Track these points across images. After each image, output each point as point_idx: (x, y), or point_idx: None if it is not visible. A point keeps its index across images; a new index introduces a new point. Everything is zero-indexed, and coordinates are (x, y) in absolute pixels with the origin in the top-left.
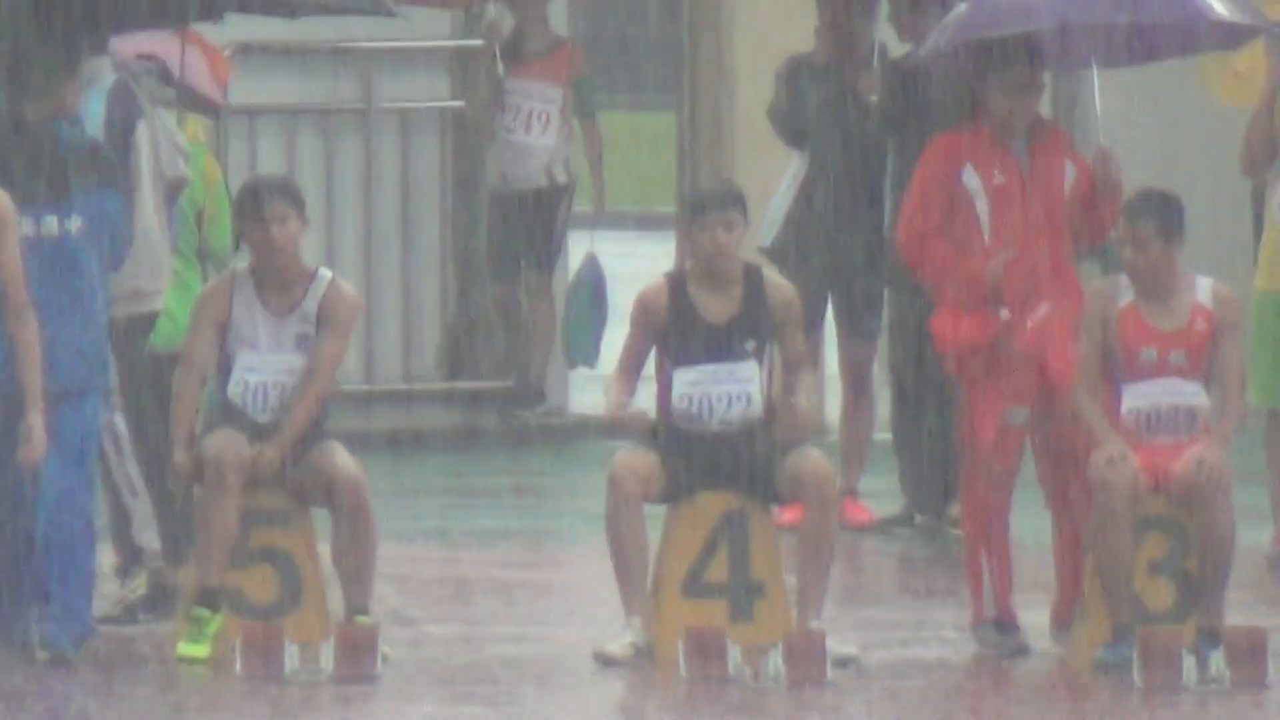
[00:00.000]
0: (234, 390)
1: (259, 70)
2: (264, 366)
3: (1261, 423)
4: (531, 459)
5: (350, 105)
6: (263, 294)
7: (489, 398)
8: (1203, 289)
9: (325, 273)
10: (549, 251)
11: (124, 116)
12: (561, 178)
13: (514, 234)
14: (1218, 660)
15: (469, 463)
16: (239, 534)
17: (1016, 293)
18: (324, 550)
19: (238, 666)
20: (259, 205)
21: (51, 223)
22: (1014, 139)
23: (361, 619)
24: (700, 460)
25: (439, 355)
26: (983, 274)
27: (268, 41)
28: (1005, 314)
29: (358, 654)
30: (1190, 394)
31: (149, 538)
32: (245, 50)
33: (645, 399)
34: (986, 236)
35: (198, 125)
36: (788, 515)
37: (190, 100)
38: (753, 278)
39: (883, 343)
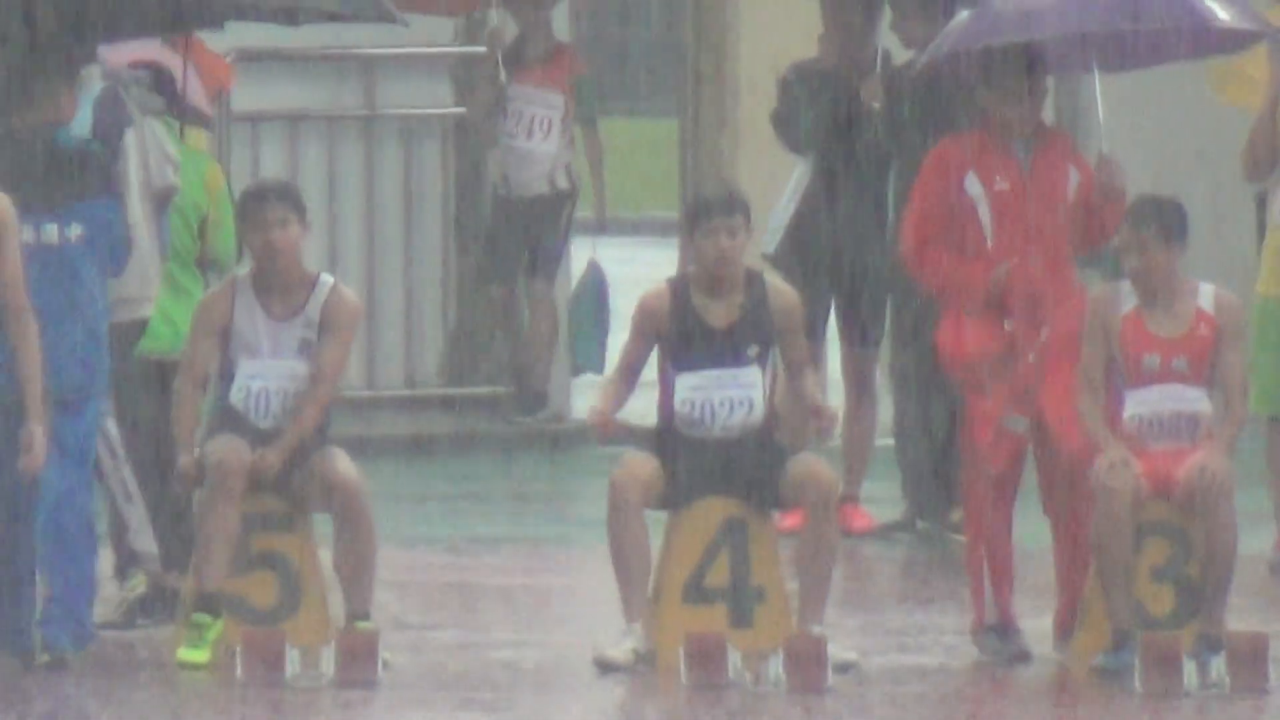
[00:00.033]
0: (236, 396)
1: (262, 76)
2: (266, 372)
3: (1263, 429)
4: (533, 464)
5: (353, 111)
6: (264, 299)
7: (491, 403)
8: (1205, 295)
9: (327, 278)
10: (551, 258)
11: (111, 124)
12: (563, 183)
13: (515, 237)
14: (1219, 666)
15: (470, 468)
16: (240, 539)
17: (1019, 301)
18: (325, 555)
19: (238, 671)
20: (259, 210)
21: (51, 230)
22: (1016, 145)
23: (362, 624)
24: (701, 466)
25: (441, 361)
26: (985, 283)
27: (270, 48)
28: (1009, 324)
29: (358, 659)
30: (1192, 400)
31: (145, 542)
32: (248, 56)
33: (644, 404)
34: (989, 243)
35: (199, 133)
36: (789, 521)
37: (184, 112)
38: (755, 283)
39: (885, 348)
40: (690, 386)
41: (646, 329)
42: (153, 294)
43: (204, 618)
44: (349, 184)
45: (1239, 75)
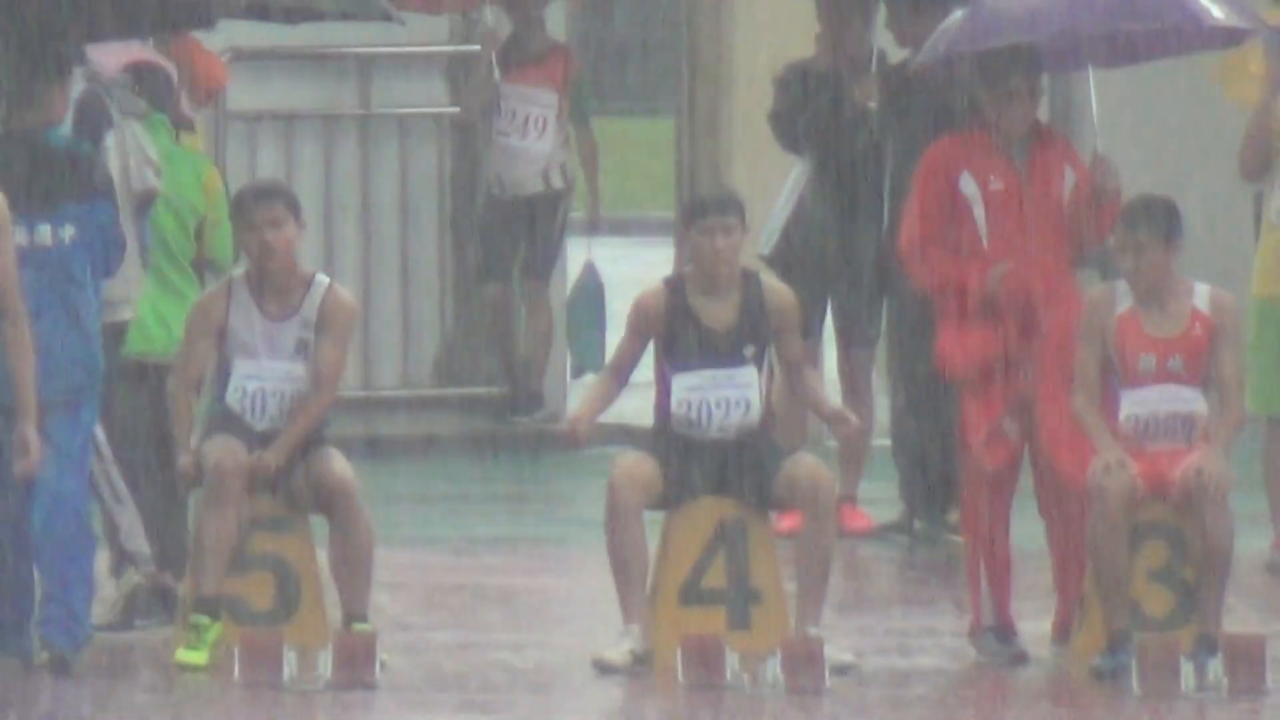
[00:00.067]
0: (232, 397)
1: (257, 76)
2: (262, 373)
3: (1260, 429)
4: (529, 465)
5: (349, 111)
6: (260, 299)
7: (487, 404)
8: (1200, 295)
9: (322, 278)
10: (546, 258)
11: (92, 127)
12: (558, 183)
13: (509, 236)
14: (1216, 667)
15: (467, 469)
16: (238, 541)
17: (1014, 305)
18: (323, 557)
19: (236, 673)
20: (254, 210)
21: (44, 232)
22: (1011, 145)
23: (359, 626)
24: (699, 466)
25: (437, 361)
26: (980, 285)
27: (266, 47)
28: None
29: (356, 661)
30: (1188, 400)
31: (137, 543)
32: (243, 56)
33: (641, 405)
34: (984, 243)
35: (195, 131)
36: (786, 522)
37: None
38: (751, 283)
39: (881, 349)
40: (687, 387)
41: (642, 328)
42: (134, 296)
43: (203, 619)
44: (345, 183)
45: (1244, 72)
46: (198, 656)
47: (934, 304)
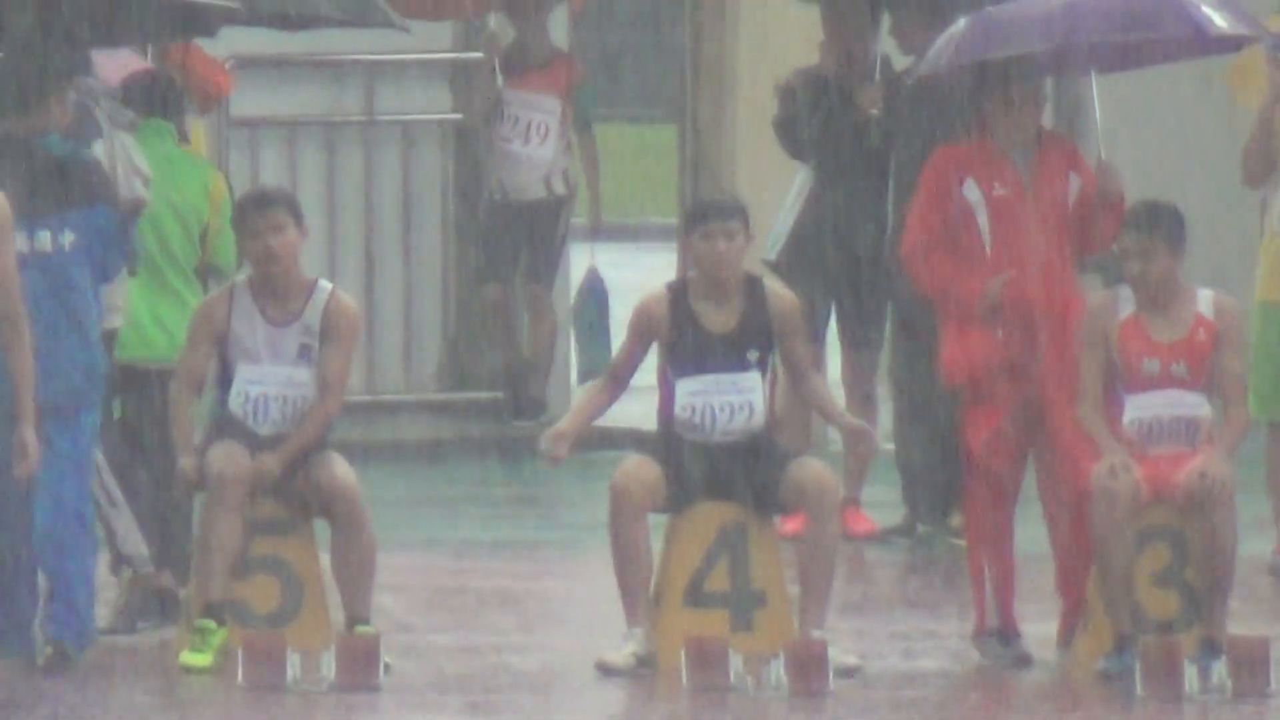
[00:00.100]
0: (234, 402)
1: (261, 82)
2: (265, 378)
3: (1263, 433)
4: (532, 469)
5: (352, 117)
6: (262, 305)
7: (490, 408)
8: (1204, 300)
9: (325, 284)
10: (549, 263)
11: (80, 137)
12: (560, 189)
13: (510, 241)
14: (1219, 670)
15: (470, 473)
16: (241, 545)
17: (1016, 311)
18: (326, 560)
19: (239, 676)
20: (256, 216)
21: (45, 238)
22: (1016, 151)
23: (362, 629)
24: (702, 470)
25: (440, 366)
26: (981, 293)
27: (269, 54)
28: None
29: (359, 663)
30: (1192, 405)
31: (133, 545)
32: (247, 63)
33: (644, 409)
34: (988, 249)
35: (199, 139)
36: (790, 525)
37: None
38: (754, 288)
39: (885, 353)
40: (690, 391)
41: (644, 332)
42: (120, 303)
43: (209, 624)
44: (348, 190)
45: (1256, 75)
46: (202, 659)
47: (937, 309)
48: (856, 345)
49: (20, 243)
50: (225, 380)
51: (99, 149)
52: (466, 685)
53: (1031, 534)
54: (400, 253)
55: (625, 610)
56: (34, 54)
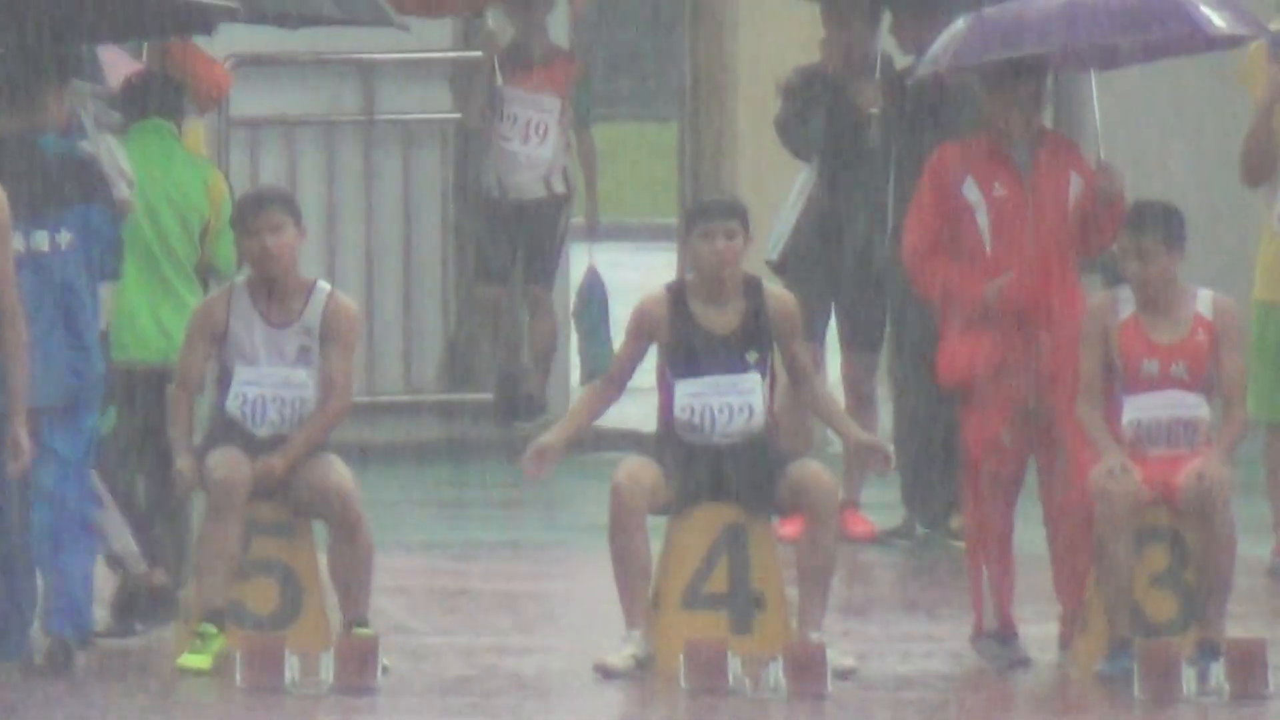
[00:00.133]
0: (232, 404)
1: (260, 82)
2: (263, 380)
3: (1261, 434)
4: None
5: (352, 117)
6: (260, 305)
7: (490, 409)
8: (1203, 300)
9: (324, 285)
10: (548, 263)
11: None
12: (560, 188)
13: (508, 240)
14: (1218, 672)
15: (470, 474)
16: (241, 549)
17: (1014, 313)
18: (323, 562)
19: (238, 678)
20: (255, 216)
21: (41, 237)
22: (1016, 151)
23: (360, 630)
24: (702, 472)
25: (440, 367)
26: (980, 296)
27: (269, 53)
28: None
29: (358, 665)
30: (1191, 406)
31: (124, 544)
32: (246, 62)
33: (644, 410)
34: (987, 249)
35: (198, 138)
36: (788, 527)
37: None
38: (753, 290)
39: (885, 354)
40: (690, 393)
41: (643, 333)
42: (109, 305)
43: (210, 629)
44: (348, 189)
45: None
46: (201, 660)
47: (936, 310)
48: (856, 345)
49: (17, 242)
50: (224, 382)
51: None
52: (465, 687)
53: (1030, 535)
54: (400, 253)
55: (624, 612)
56: (31, 52)
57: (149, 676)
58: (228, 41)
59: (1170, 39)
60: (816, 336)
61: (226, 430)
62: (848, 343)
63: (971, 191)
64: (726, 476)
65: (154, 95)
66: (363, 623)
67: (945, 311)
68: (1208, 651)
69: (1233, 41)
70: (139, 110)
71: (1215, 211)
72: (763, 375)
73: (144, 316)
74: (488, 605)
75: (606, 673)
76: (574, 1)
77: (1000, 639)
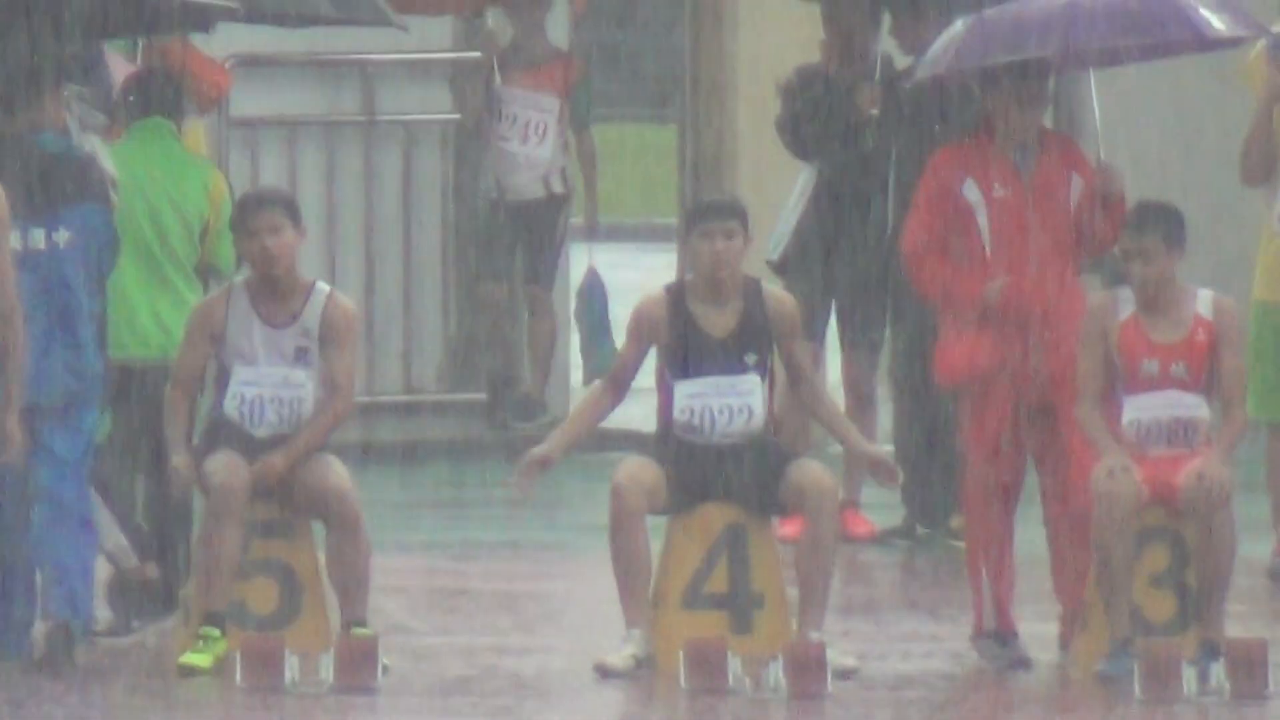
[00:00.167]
0: (230, 404)
1: (260, 82)
2: (260, 380)
3: (1261, 434)
4: None
5: (352, 117)
6: (259, 306)
7: (489, 409)
8: (1203, 300)
9: (323, 286)
10: (548, 264)
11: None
12: (559, 188)
13: (508, 240)
14: (1218, 672)
15: (470, 474)
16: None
17: (1013, 315)
18: (321, 561)
19: (238, 677)
20: (253, 216)
21: (39, 236)
22: (1016, 151)
23: (359, 630)
24: (702, 472)
25: (440, 367)
26: (978, 297)
27: (269, 53)
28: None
29: (358, 665)
30: (1191, 406)
31: (114, 540)
32: (246, 62)
33: (643, 411)
34: (987, 250)
35: (198, 138)
36: (788, 527)
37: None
38: (752, 291)
39: (885, 354)
40: (689, 394)
41: (643, 335)
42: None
43: (212, 631)
44: (348, 190)
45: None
46: (202, 659)
47: (936, 310)
48: (857, 346)
49: (14, 241)
50: (222, 382)
51: None
52: (465, 687)
53: (1030, 535)
54: (400, 253)
55: (624, 612)
56: (24, 51)
57: (149, 676)
58: (228, 41)
59: (1170, 41)
60: (817, 336)
61: (224, 432)
62: (848, 343)
63: (972, 192)
64: (727, 477)
65: (155, 94)
66: (362, 623)
67: (944, 311)
68: (1208, 651)
69: (1233, 42)
70: (140, 109)
71: (1215, 212)
72: (762, 376)
73: (143, 314)
74: (488, 605)
75: (606, 672)
76: (574, 1)
77: (1000, 639)
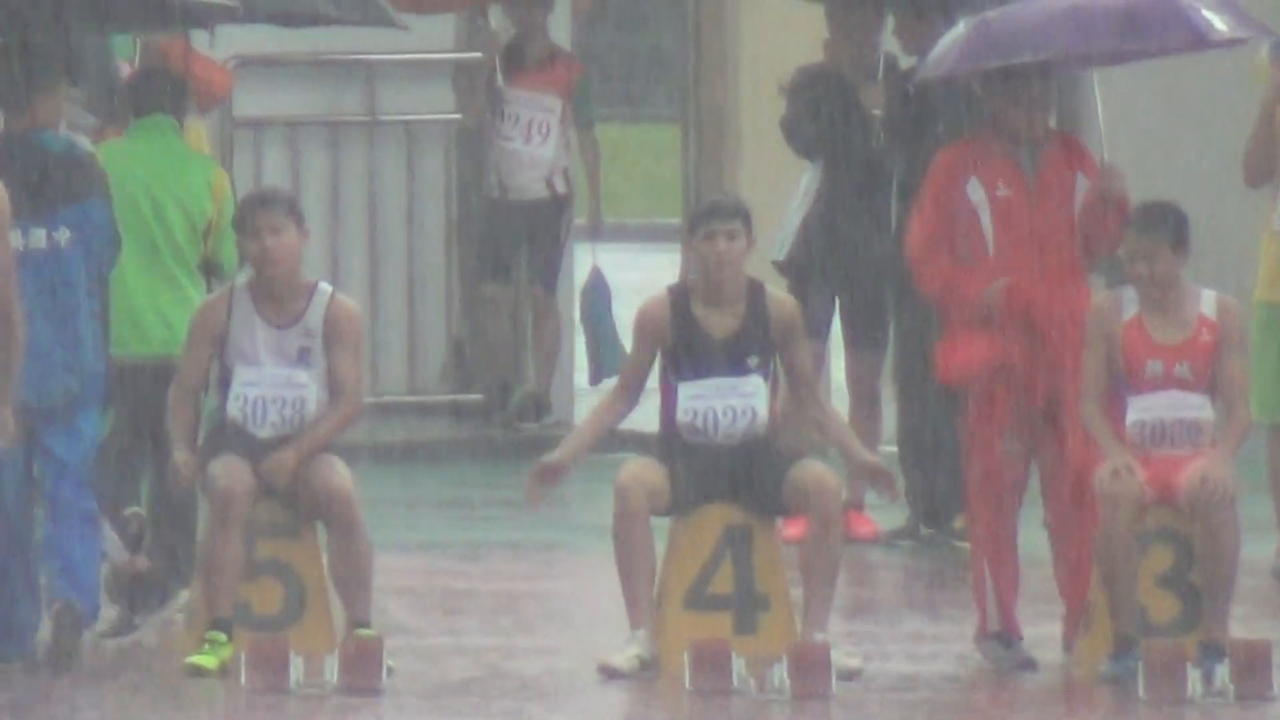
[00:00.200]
0: (233, 405)
1: (263, 82)
2: (263, 380)
3: (1264, 435)
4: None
5: (355, 117)
6: (261, 306)
7: (493, 409)
8: (1207, 301)
9: (325, 286)
10: (552, 264)
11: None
12: (562, 188)
13: (510, 240)
14: (1222, 673)
15: (474, 474)
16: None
17: (1015, 316)
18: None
19: (243, 678)
20: (256, 217)
21: (39, 235)
22: (1021, 151)
23: (363, 631)
24: (705, 473)
25: (444, 367)
26: (980, 297)
27: (271, 54)
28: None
29: (362, 666)
30: (1195, 406)
31: (105, 536)
32: (249, 62)
33: (645, 413)
34: (990, 250)
35: (200, 137)
36: (792, 528)
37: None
38: (755, 293)
39: (889, 354)
40: (692, 396)
41: (650, 336)
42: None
43: (219, 636)
44: (351, 190)
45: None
46: (208, 660)
47: (939, 309)
48: (861, 346)
49: (15, 240)
50: (224, 382)
51: None
52: (469, 687)
53: (1034, 537)
54: (404, 253)
55: (628, 612)
56: (24, 50)
57: (152, 676)
58: (229, 42)
59: (1172, 42)
60: (821, 336)
61: (227, 434)
62: (852, 343)
63: (975, 192)
64: (730, 478)
65: (157, 91)
66: (365, 624)
67: (948, 311)
68: (1212, 652)
69: (1235, 43)
70: (143, 106)
71: (1218, 212)
72: (764, 378)
73: (146, 310)
74: (492, 606)
75: (610, 673)
76: (578, 1)
77: (1004, 640)
